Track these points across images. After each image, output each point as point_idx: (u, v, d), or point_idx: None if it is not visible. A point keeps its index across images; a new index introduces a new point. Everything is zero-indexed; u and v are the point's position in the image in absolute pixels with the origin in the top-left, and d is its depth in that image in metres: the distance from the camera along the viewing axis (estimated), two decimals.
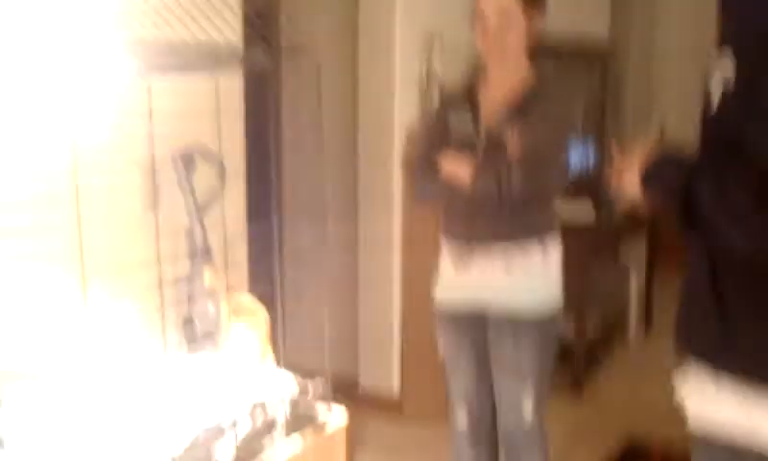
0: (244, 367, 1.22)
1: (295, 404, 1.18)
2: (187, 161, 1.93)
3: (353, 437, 3.40)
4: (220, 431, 1.02)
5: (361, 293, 3.76)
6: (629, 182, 1.35)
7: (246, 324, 2.14)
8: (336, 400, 1.33)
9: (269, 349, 1.78)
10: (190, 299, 2.04)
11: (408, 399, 3.70)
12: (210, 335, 2.05)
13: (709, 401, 1.28)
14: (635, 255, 4.85)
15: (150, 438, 0.95)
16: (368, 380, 3.80)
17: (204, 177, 2.13)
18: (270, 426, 1.12)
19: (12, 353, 1.08)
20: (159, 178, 2.14)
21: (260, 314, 1.92)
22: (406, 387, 3.71)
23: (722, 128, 1.24)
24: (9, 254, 0.93)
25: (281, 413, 1.14)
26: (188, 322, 2.04)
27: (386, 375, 3.74)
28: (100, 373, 1.13)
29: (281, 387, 1.17)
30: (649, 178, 1.31)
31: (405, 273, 3.64)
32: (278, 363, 1.38)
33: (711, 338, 1.27)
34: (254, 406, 1.09)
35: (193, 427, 0.98)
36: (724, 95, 1.22)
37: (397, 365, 3.72)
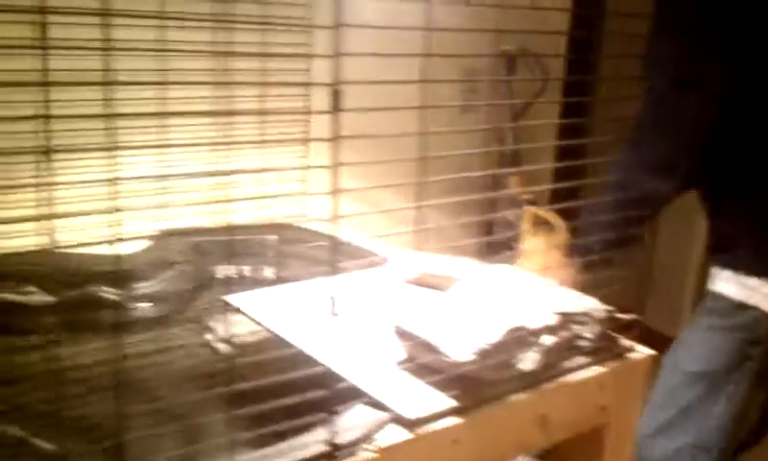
0: (547, 282, 1.17)
1: (601, 327, 1.11)
2: (509, 64, 1.88)
3: None
4: (524, 337, 0.99)
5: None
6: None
7: (544, 240, 2.07)
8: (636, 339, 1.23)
9: (564, 268, 1.71)
10: (493, 206, 2.02)
11: None
12: (508, 245, 2.02)
13: None
14: None
15: (462, 333, 0.96)
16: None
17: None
18: (573, 343, 1.08)
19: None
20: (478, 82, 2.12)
21: (561, 233, 1.85)
22: None
23: None
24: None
25: (587, 332, 1.08)
26: (488, 229, 2.03)
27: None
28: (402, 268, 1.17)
29: (588, 308, 1.10)
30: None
31: None
32: (577, 288, 1.31)
33: None
34: (561, 320, 1.04)
35: (500, 328, 0.96)
36: None
37: None
